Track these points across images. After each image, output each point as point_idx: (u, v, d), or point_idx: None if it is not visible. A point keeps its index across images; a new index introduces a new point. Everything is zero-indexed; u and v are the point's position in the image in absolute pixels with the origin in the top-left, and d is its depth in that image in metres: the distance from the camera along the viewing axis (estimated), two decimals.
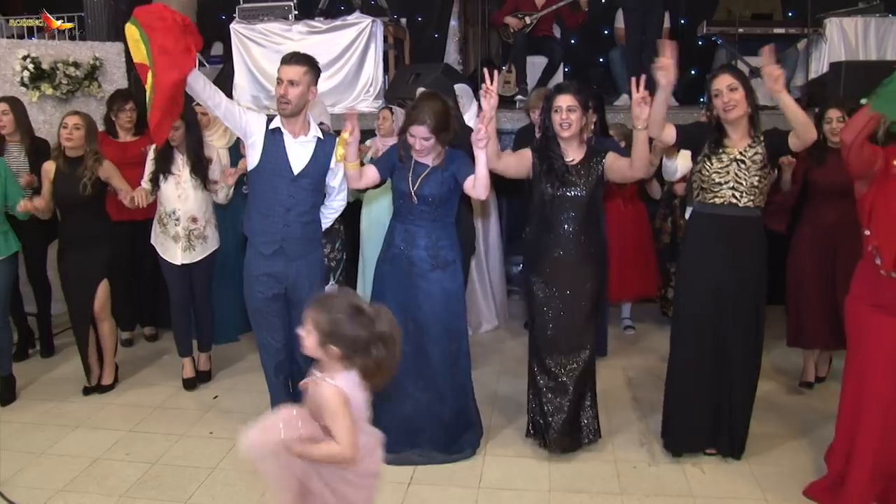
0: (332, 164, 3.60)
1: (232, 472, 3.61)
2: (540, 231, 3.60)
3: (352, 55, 6.27)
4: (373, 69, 6.28)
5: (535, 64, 7.00)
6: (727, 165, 3.43)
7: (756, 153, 3.42)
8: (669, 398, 3.72)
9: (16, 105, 4.86)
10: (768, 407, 4.16)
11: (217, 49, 8.59)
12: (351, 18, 6.33)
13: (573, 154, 3.54)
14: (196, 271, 4.56)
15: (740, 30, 6.47)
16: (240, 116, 3.51)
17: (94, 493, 3.45)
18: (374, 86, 6.27)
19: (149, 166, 4.50)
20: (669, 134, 3.49)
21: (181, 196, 4.41)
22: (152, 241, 4.56)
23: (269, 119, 3.56)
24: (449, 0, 8.36)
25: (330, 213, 3.77)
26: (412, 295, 3.55)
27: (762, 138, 3.45)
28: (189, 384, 4.65)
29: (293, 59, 3.47)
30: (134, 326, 5.55)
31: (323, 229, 3.79)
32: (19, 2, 10.81)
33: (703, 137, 3.53)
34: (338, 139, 3.52)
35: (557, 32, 7.31)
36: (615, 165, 3.50)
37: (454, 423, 3.70)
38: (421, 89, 4.52)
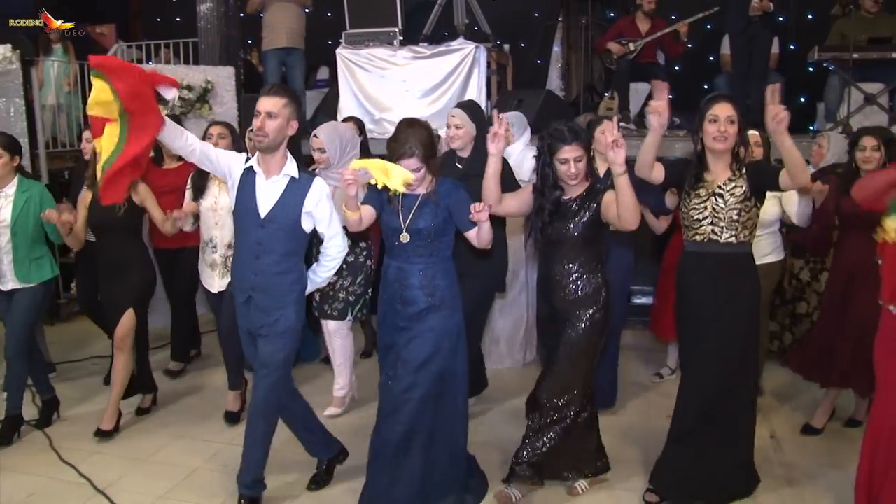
0: (309, 208, 3.30)
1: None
2: (544, 266, 3.49)
3: (455, 80, 6.39)
4: (475, 95, 6.35)
5: (639, 90, 6.96)
6: (705, 200, 3.31)
7: (736, 186, 3.28)
8: (668, 439, 3.55)
9: None
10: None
11: (323, 73, 8.90)
12: (455, 44, 6.46)
13: (572, 192, 3.38)
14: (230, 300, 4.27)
15: (854, 55, 6.25)
16: (217, 160, 3.31)
17: (192, 501, 3.56)
18: None
19: (188, 194, 4.52)
20: (658, 174, 3.36)
21: (218, 223, 4.36)
22: (199, 268, 4.54)
23: (248, 159, 3.36)
24: (552, 26, 8.43)
25: (327, 260, 3.47)
26: (405, 336, 3.31)
27: (744, 172, 3.30)
28: (231, 418, 4.49)
29: (273, 90, 3.26)
30: (186, 357, 5.43)
31: (319, 284, 3.55)
32: (139, 28, 11.52)
33: (685, 173, 3.39)
34: (371, 166, 3.14)
35: (661, 59, 7.25)
36: (610, 208, 3.27)
37: (450, 470, 3.45)
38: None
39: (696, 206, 3.32)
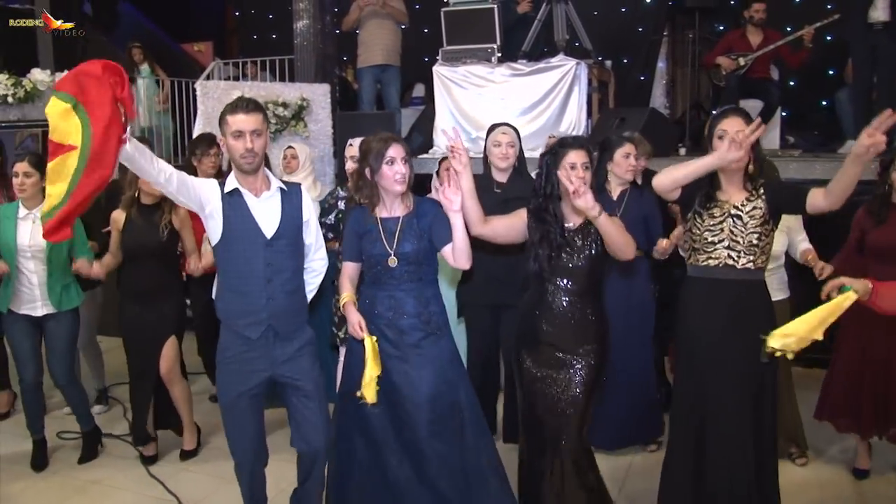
0: (306, 217, 3.23)
1: None
2: (533, 301, 3.27)
3: (555, 98, 6.46)
4: (576, 113, 6.42)
5: (749, 108, 6.81)
6: (721, 221, 3.14)
7: (755, 208, 3.12)
8: (661, 487, 3.38)
9: None
10: None
11: (419, 91, 9.08)
12: (555, 61, 6.52)
13: (574, 218, 3.21)
14: None
15: None
16: (192, 187, 3.06)
17: None
18: (577, 130, 6.38)
19: (206, 246, 4.36)
20: (676, 194, 3.19)
21: None
22: (213, 296, 4.51)
23: (222, 183, 3.14)
24: (657, 41, 8.41)
25: (313, 276, 3.35)
26: (404, 369, 3.18)
27: (762, 191, 3.15)
28: None
29: (249, 106, 3.05)
30: None
31: (308, 299, 3.37)
32: (235, 45, 12.06)
33: (693, 192, 3.21)
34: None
35: (775, 74, 7.12)
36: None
37: None
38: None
39: (711, 228, 3.15)
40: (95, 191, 2.71)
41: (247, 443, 3.25)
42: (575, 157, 3.13)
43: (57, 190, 2.67)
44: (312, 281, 3.36)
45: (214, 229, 3.12)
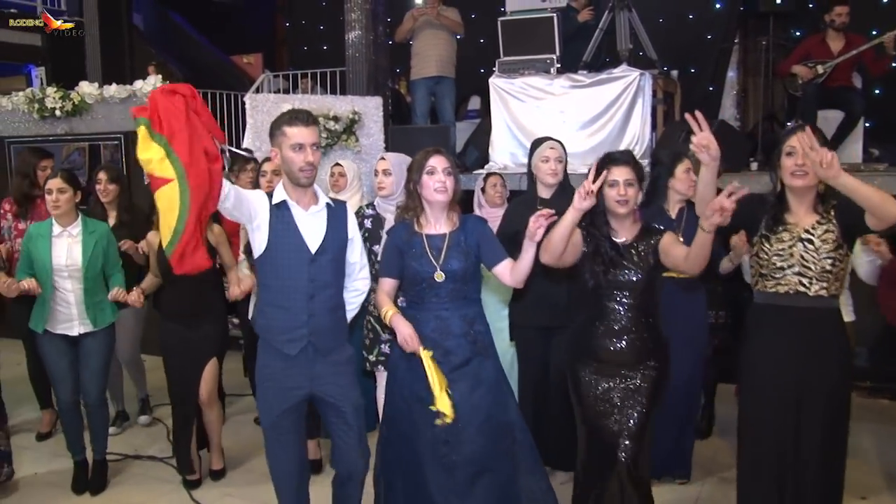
0: (351, 235, 3.31)
1: None
2: (591, 316, 3.32)
3: (617, 111, 6.39)
4: (639, 126, 6.35)
5: (829, 119, 6.67)
6: (790, 246, 3.07)
7: (827, 231, 3.04)
8: None
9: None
10: None
11: (474, 103, 9.09)
12: (617, 71, 6.46)
13: (625, 233, 3.28)
14: None
15: None
16: (245, 201, 3.12)
17: None
18: (641, 144, 6.31)
19: (243, 236, 4.46)
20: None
21: None
22: (251, 318, 4.56)
23: (270, 194, 3.21)
24: (727, 49, 8.29)
25: (354, 296, 3.42)
26: (454, 391, 3.18)
27: (832, 214, 3.05)
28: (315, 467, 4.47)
29: (309, 119, 3.12)
30: None
31: (349, 318, 3.44)
32: (286, 57, 12.24)
33: (758, 213, 3.16)
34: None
35: (858, 82, 6.94)
36: (671, 252, 3.18)
37: None
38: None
39: (780, 253, 3.10)
40: (207, 214, 2.91)
41: (288, 463, 3.30)
42: (617, 173, 3.18)
43: (169, 220, 2.83)
44: (354, 300, 3.43)
45: (260, 241, 3.17)
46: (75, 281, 4.24)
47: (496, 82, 6.90)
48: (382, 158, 4.31)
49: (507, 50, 6.97)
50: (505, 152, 6.84)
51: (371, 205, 4.34)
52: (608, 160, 3.23)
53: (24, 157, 5.39)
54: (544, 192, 4.17)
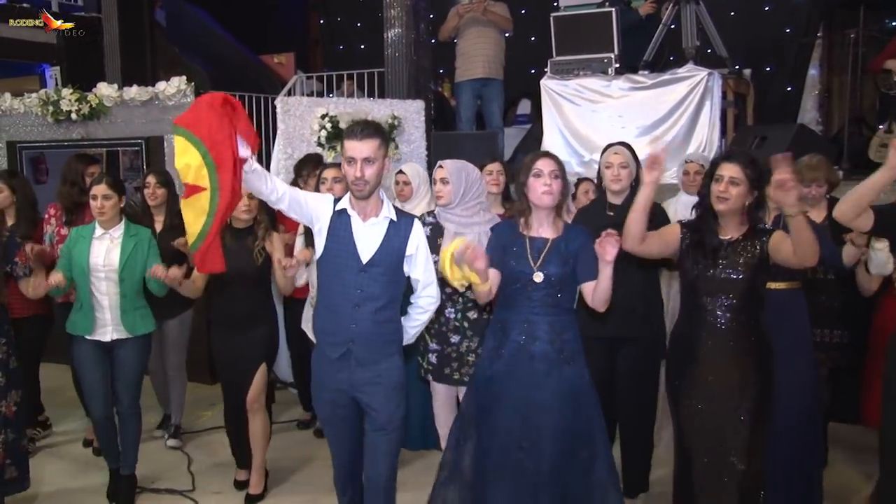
0: (411, 251, 3.57)
1: None
2: (687, 321, 3.53)
3: (682, 114, 6.38)
4: (707, 132, 6.32)
5: None
6: None
7: None
8: None
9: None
10: None
11: (524, 107, 9.09)
12: (682, 71, 6.45)
13: (732, 231, 3.49)
14: None
15: None
16: (305, 204, 3.52)
17: None
18: (709, 150, 6.26)
19: (299, 242, 4.72)
20: (865, 220, 3.34)
21: None
22: (303, 326, 4.78)
23: (338, 200, 3.57)
24: (808, 44, 8.22)
25: (418, 312, 3.72)
26: (536, 397, 3.48)
27: None
28: None
29: (364, 131, 3.38)
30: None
31: (407, 340, 3.73)
32: (319, 57, 12.37)
33: None
34: (454, 239, 3.62)
35: None
36: (781, 247, 3.36)
37: None
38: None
39: None
40: (227, 217, 3.40)
41: (342, 456, 3.72)
42: (724, 169, 3.42)
43: (195, 226, 3.24)
44: (418, 317, 3.73)
45: (319, 245, 3.55)
46: (111, 283, 4.47)
47: (548, 84, 6.94)
48: (440, 166, 4.54)
49: (561, 49, 6.99)
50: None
51: (432, 213, 4.57)
52: (722, 156, 3.50)
53: (71, 165, 5.60)
54: (614, 199, 4.36)
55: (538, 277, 3.49)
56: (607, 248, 3.29)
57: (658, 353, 4.31)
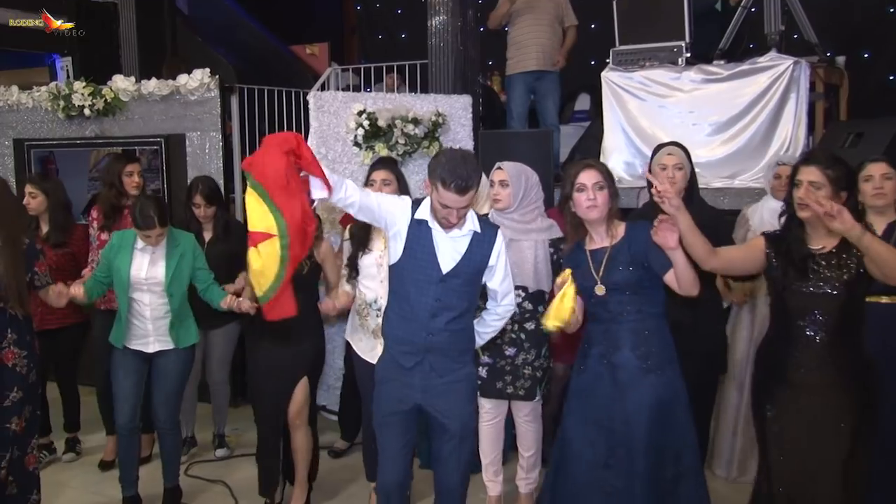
0: (492, 263, 3.82)
1: None
2: (776, 338, 3.58)
3: (763, 109, 6.27)
4: (791, 128, 6.19)
5: None
6: None
7: None
8: None
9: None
10: None
11: (583, 103, 9.03)
12: (764, 60, 6.33)
13: (822, 240, 3.50)
14: None
15: None
16: (378, 207, 3.74)
17: None
18: (793, 149, 6.14)
19: (346, 248, 4.90)
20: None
21: (384, 280, 4.57)
22: (347, 336, 4.97)
23: (416, 203, 3.80)
24: None
25: (493, 319, 4.03)
26: (619, 409, 3.70)
27: None
28: None
29: (466, 186, 3.54)
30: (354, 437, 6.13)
31: (483, 342, 4.11)
32: (356, 47, 12.40)
33: None
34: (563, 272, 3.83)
35: None
36: (870, 264, 3.34)
37: None
38: None
39: None
40: (298, 263, 3.57)
41: (389, 464, 3.90)
42: (804, 173, 3.47)
43: (268, 275, 3.46)
44: (493, 324, 4.05)
45: (396, 250, 3.81)
46: (154, 296, 4.79)
47: (610, 77, 6.88)
48: (499, 167, 4.74)
49: (625, 37, 6.95)
50: (619, 162, 6.80)
51: (485, 216, 4.55)
52: (801, 159, 3.58)
53: (109, 166, 5.91)
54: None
55: (600, 290, 3.75)
56: (667, 236, 3.50)
57: (713, 370, 4.43)
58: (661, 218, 3.50)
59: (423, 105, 6.83)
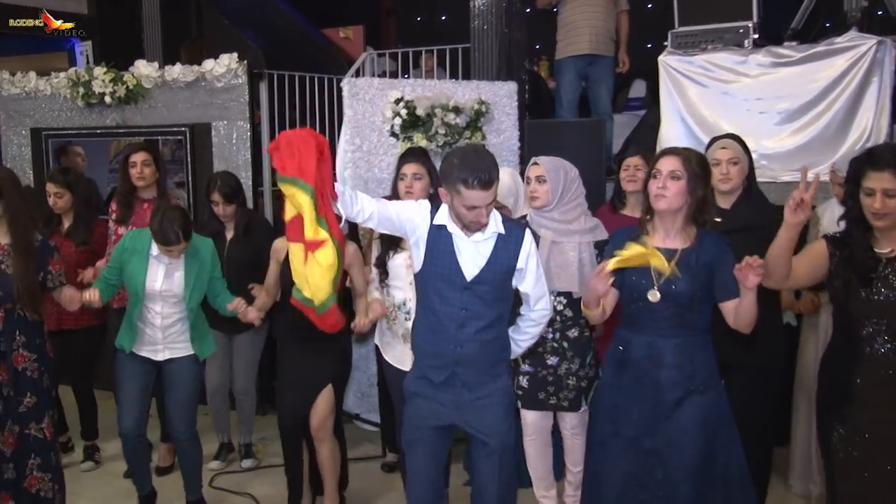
0: (521, 265, 3.78)
1: None
2: (840, 349, 3.55)
3: (840, 95, 6.11)
4: (872, 116, 6.03)
5: None
6: None
7: None
8: None
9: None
10: None
11: (638, 89, 8.97)
12: (842, 40, 6.16)
13: (890, 244, 3.43)
14: None
15: None
16: (396, 217, 3.75)
17: None
18: (875, 139, 6.01)
19: (374, 249, 4.91)
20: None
21: (412, 283, 4.42)
22: (376, 341, 4.99)
23: (434, 208, 3.78)
24: None
25: (529, 325, 3.99)
26: (663, 430, 3.66)
27: None
28: None
29: (484, 180, 3.53)
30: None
31: (522, 350, 4.09)
32: (393, 30, 12.36)
33: None
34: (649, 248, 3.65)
35: None
36: None
37: None
38: None
39: None
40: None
41: (420, 487, 3.90)
42: (874, 180, 3.36)
43: (324, 284, 3.54)
44: (529, 330, 4.01)
45: (417, 258, 3.81)
46: (167, 305, 4.81)
47: (668, 61, 6.73)
48: (535, 163, 4.69)
49: (685, 17, 6.79)
50: None
51: (523, 218, 4.71)
52: (865, 161, 3.42)
53: (124, 157, 5.92)
54: (723, 202, 4.43)
55: (653, 296, 3.65)
56: (749, 277, 3.40)
57: (773, 380, 4.46)
58: (751, 260, 3.38)
59: (464, 92, 6.81)
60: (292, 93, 8.55)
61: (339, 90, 7.08)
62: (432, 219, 3.76)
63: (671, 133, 6.69)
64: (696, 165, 3.66)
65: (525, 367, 4.68)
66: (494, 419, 3.81)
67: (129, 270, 4.73)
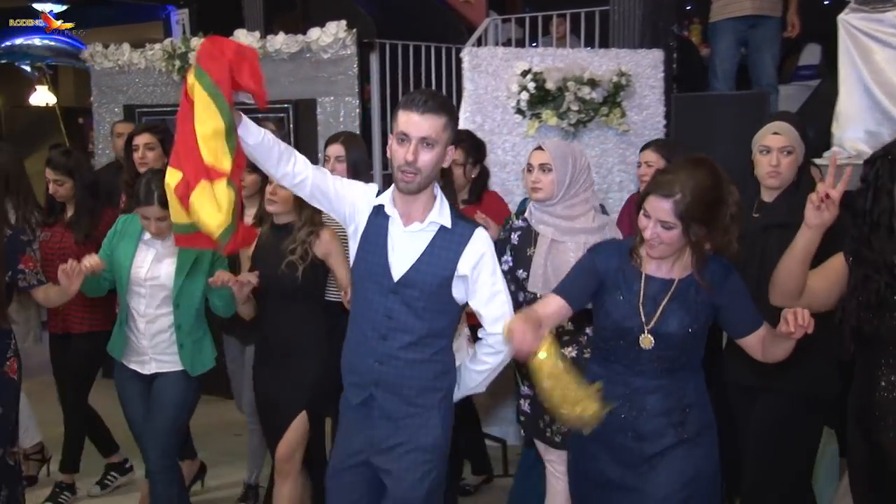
0: (463, 272, 3.41)
1: None
2: (864, 375, 3.41)
3: None
4: None
5: None
6: None
7: None
8: None
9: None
10: None
11: (810, 55, 8.76)
12: None
13: None
14: None
15: None
16: (333, 192, 3.46)
17: None
18: None
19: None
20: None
21: None
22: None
23: (382, 191, 3.51)
24: None
25: (487, 353, 3.57)
26: (640, 483, 3.39)
27: None
28: None
29: (428, 103, 3.28)
30: None
31: (471, 390, 3.68)
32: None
33: None
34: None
35: None
36: None
37: None
38: None
39: None
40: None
41: None
42: None
43: (221, 218, 3.14)
44: (486, 359, 3.58)
45: (352, 251, 3.57)
46: (153, 303, 4.48)
47: (850, 21, 6.42)
48: (539, 149, 4.42)
49: None
50: (859, 130, 6.37)
51: (522, 217, 4.51)
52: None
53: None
54: (766, 195, 4.27)
55: (646, 342, 3.36)
56: (791, 330, 3.05)
57: (814, 406, 4.18)
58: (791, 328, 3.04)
59: (601, 62, 6.79)
60: (406, 65, 8.55)
61: (459, 61, 7.12)
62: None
63: (851, 106, 6.42)
64: (695, 205, 3.21)
65: (524, 389, 4.38)
66: (405, 464, 3.47)
67: (117, 255, 4.48)
